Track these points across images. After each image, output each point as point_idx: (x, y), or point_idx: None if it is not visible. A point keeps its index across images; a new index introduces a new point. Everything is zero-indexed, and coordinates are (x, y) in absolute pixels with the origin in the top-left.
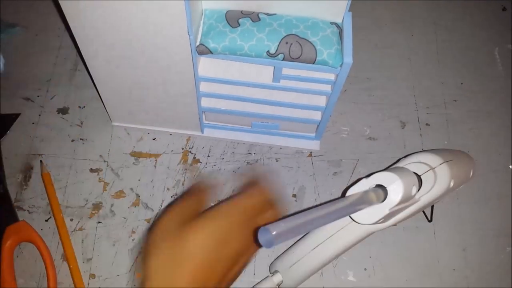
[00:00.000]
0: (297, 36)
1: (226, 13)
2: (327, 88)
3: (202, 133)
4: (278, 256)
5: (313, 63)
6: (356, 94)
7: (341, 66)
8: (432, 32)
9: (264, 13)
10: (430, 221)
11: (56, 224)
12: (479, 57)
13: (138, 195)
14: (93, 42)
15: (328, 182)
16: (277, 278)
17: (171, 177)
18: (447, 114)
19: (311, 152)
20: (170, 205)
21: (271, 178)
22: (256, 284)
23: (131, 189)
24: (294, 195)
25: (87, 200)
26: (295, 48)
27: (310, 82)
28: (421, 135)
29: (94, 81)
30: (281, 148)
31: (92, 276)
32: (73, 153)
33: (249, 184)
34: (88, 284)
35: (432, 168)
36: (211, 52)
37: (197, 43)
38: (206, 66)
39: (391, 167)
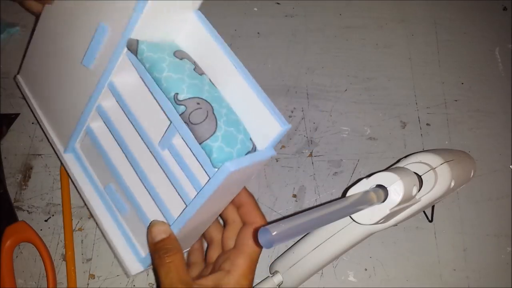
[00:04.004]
0: (212, 109)
1: (176, 51)
2: (191, 190)
3: (64, 152)
4: (278, 257)
5: (200, 143)
6: (356, 94)
7: (218, 168)
8: (433, 32)
9: (210, 79)
10: (430, 221)
11: (63, 223)
12: (480, 57)
13: None
14: None
15: (328, 182)
16: (277, 278)
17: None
18: (448, 114)
19: (311, 152)
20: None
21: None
22: (257, 284)
23: None
24: (294, 195)
25: None
26: (200, 114)
27: (186, 172)
28: (421, 135)
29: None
30: (281, 148)
31: (92, 276)
32: None
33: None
34: (88, 284)
35: (433, 168)
36: (136, 53)
37: (133, 36)
38: (122, 81)
39: (391, 167)
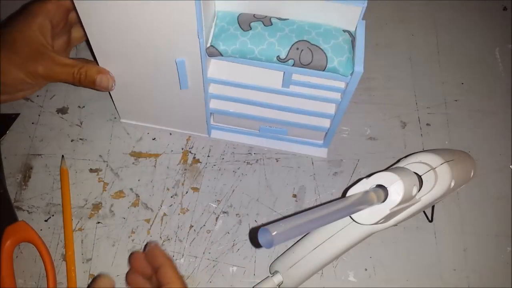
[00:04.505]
0: (308, 42)
1: (238, 16)
2: (337, 96)
3: (209, 135)
4: (278, 257)
5: (323, 70)
6: (357, 94)
7: (351, 74)
8: (433, 32)
9: (277, 18)
10: (430, 221)
11: (63, 223)
12: (480, 57)
13: (137, 195)
14: (106, 41)
15: (328, 182)
16: (277, 278)
17: (171, 177)
18: (448, 114)
19: None
20: None
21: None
22: (257, 284)
23: (131, 189)
24: (295, 195)
25: (86, 200)
26: (305, 55)
27: (320, 89)
28: (421, 135)
29: None
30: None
31: (92, 276)
32: (73, 153)
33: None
34: (88, 284)
35: (433, 168)
36: (221, 55)
37: (208, 45)
38: (216, 68)
39: (391, 167)
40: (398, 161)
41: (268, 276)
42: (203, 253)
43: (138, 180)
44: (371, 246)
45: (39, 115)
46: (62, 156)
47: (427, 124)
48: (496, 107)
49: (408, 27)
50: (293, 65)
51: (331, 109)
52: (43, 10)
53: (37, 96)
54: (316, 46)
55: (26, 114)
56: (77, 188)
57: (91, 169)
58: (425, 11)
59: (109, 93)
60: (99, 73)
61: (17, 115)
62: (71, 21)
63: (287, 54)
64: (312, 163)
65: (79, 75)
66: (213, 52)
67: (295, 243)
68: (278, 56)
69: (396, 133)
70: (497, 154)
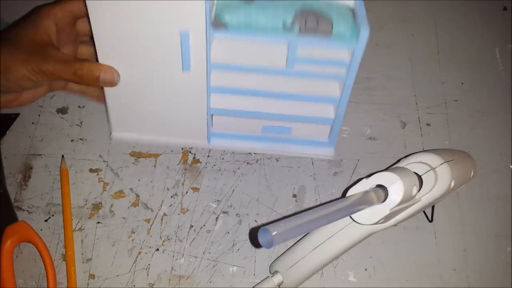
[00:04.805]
0: (313, 9)
1: None
2: (342, 72)
3: (209, 142)
4: (278, 257)
5: (330, 37)
6: (357, 93)
7: (357, 40)
8: (433, 32)
9: None
10: (430, 221)
11: (63, 223)
12: (480, 57)
13: (137, 195)
14: (110, 35)
15: (328, 182)
16: (277, 278)
17: (171, 177)
18: (448, 114)
19: None
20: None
21: None
22: (256, 284)
23: (131, 189)
24: (295, 195)
25: (86, 200)
26: (311, 20)
27: (325, 64)
28: (421, 135)
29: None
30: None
31: (92, 276)
32: (73, 153)
33: None
34: (88, 284)
35: (433, 168)
36: (226, 27)
37: (212, 19)
38: (219, 51)
39: (391, 167)
40: (398, 161)
41: (268, 276)
42: (203, 253)
43: (138, 180)
44: (371, 246)
45: (39, 115)
46: (62, 156)
47: (427, 124)
48: (496, 107)
49: (408, 27)
50: (299, 32)
51: (336, 91)
52: (50, 13)
53: None
54: (321, 12)
55: (26, 114)
56: (77, 188)
57: (91, 169)
58: (425, 11)
59: (104, 100)
60: (102, 68)
61: (17, 115)
62: (79, 32)
63: (293, 20)
64: (312, 163)
65: (81, 71)
66: (218, 24)
67: (295, 243)
68: (283, 23)
69: (396, 133)
70: (497, 154)
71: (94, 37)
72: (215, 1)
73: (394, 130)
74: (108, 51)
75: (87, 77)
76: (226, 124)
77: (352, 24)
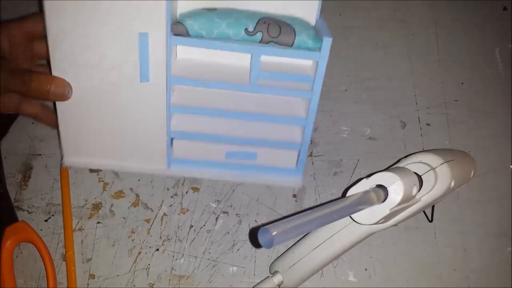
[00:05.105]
0: (275, 18)
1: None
2: (307, 87)
3: (168, 168)
4: (278, 257)
5: (292, 45)
6: (357, 94)
7: (319, 49)
8: (433, 32)
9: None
10: (430, 221)
11: (63, 223)
12: (480, 57)
13: (137, 195)
14: (65, 38)
15: (328, 182)
16: (277, 278)
17: (171, 177)
18: (448, 114)
19: (311, 152)
20: None
21: None
22: (256, 284)
23: (131, 189)
24: (295, 195)
25: (86, 200)
26: (273, 28)
27: (289, 80)
28: (421, 135)
29: None
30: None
31: (92, 276)
32: None
33: None
34: (88, 284)
35: (433, 168)
36: (187, 32)
37: (173, 22)
38: (179, 65)
39: (391, 167)
40: (398, 161)
41: (268, 276)
42: (203, 253)
43: (138, 180)
44: (371, 246)
45: None
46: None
47: (427, 124)
48: (496, 107)
49: (408, 27)
50: (261, 40)
51: (302, 112)
52: (5, 28)
53: None
54: (283, 21)
55: None
56: (77, 188)
57: (91, 169)
58: (425, 11)
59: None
60: (53, 80)
61: (17, 115)
62: (36, 53)
63: (255, 27)
64: (312, 163)
65: (30, 81)
66: (179, 29)
67: (295, 243)
68: (246, 28)
69: (396, 133)
70: (497, 154)
71: (47, 39)
72: (178, 8)
73: (394, 130)
74: (61, 56)
75: (36, 89)
76: (187, 149)
77: (314, 36)
